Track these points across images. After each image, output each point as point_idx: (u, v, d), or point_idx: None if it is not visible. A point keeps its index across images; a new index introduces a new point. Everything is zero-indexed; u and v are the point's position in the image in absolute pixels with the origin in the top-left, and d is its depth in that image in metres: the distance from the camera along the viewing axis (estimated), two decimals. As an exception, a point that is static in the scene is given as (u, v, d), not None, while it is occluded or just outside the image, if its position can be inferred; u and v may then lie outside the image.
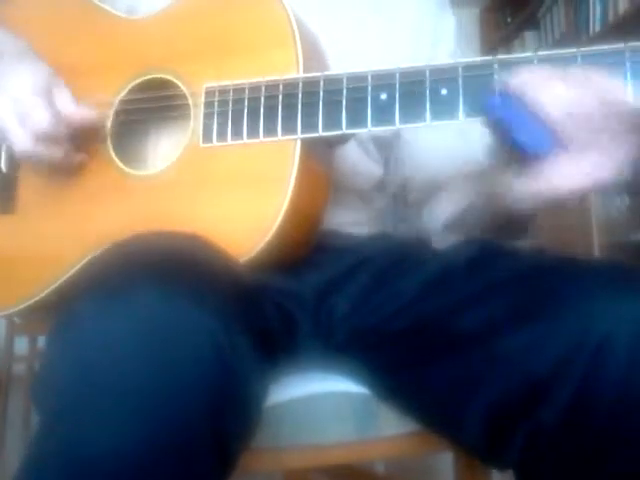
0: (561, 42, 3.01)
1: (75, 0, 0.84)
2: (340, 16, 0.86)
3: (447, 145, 0.83)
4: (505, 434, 0.62)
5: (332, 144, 0.72)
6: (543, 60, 0.62)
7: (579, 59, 0.61)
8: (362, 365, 0.74)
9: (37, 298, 0.75)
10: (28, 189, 0.80)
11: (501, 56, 0.63)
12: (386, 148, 0.90)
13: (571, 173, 0.59)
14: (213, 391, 0.52)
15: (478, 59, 0.64)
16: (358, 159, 0.86)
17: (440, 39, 0.90)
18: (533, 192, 0.61)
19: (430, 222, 0.87)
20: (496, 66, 0.62)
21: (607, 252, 2.57)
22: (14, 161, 0.81)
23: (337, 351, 0.75)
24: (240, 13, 0.74)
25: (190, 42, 0.75)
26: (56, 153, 0.73)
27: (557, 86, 0.59)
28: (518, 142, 0.60)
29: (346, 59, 0.73)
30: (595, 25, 2.74)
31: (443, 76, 0.63)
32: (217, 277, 0.60)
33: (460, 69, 0.63)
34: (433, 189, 0.86)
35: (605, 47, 0.61)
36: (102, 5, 0.83)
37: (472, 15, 3.73)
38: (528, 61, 0.62)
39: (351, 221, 0.86)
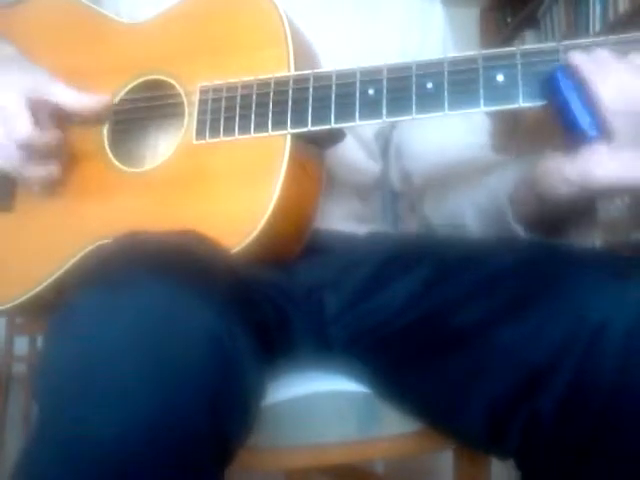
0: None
1: (75, 5, 0.85)
2: (328, 14, 0.87)
3: (447, 133, 0.83)
4: (504, 424, 0.62)
5: (322, 143, 0.73)
6: (527, 54, 0.63)
7: (560, 53, 0.62)
8: (360, 364, 0.74)
9: (33, 292, 0.76)
10: (27, 188, 0.80)
11: (485, 51, 0.65)
12: (385, 142, 0.91)
13: (609, 164, 0.59)
14: (212, 385, 0.52)
15: (462, 54, 0.65)
16: (358, 157, 0.87)
17: (428, 33, 0.91)
18: (568, 175, 0.61)
19: (436, 216, 0.87)
20: (480, 61, 0.64)
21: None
22: None
23: (333, 350, 0.75)
24: (234, 14, 0.75)
25: (185, 44, 0.77)
26: (29, 167, 0.74)
27: (616, 72, 0.59)
28: (567, 121, 0.61)
29: (335, 57, 0.74)
30: (595, 25, 2.73)
31: (429, 71, 0.65)
32: (216, 272, 0.60)
33: (445, 64, 0.65)
34: (435, 181, 0.87)
35: (588, 40, 0.62)
36: (102, 10, 0.84)
37: (472, 15, 3.72)
38: (511, 55, 0.63)
39: (348, 215, 0.86)
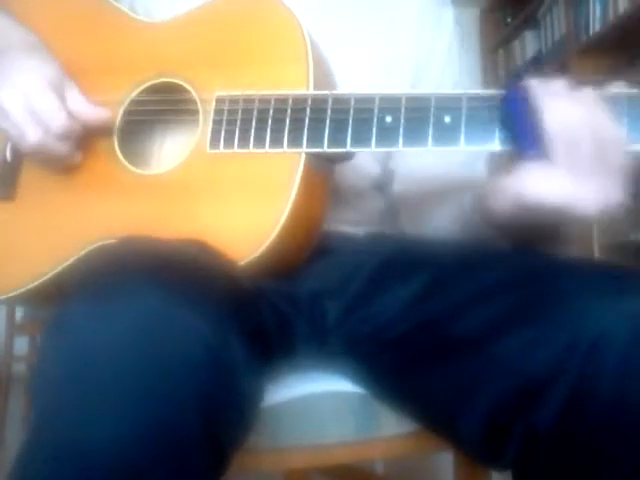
0: (561, 42, 3.01)
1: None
2: (342, 17, 0.86)
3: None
4: (502, 435, 0.62)
5: (334, 160, 0.73)
6: None
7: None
8: (359, 369, 0.74)
9: (34, 285, 0.75)
10: (31, 178, 0.80)
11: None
12: None
13: (542, 184, 0.62)
14: (205, 390, 0.52)
15: (482, 91, 0.66)
16: (361, 160, 0.86)
17: (438, 38, 0.91)
18: (505, 189, 0.65)
19: (413, 232, 0.88)
20: (500, 100, 0.65)
21: (607, 252, 2.57)
22: (18, 151, 0.81)
23: (333, 355, 0.75)
24: (256, 26, 0.75)
25: (204, 50, 0.76)
26: (63, 149, 0.74)
27: (563, 101, 0.62)
28: (512, 135, 0.64)
29: (348, 64, 0.73)
30: (595, 25, 2.73)
31: (447, 105, 0.65)
32: (212, 279, 0.60)
33: (464, 100, 0.65)
34: (413, 193, 0.87)
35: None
36: (119, 5, 0.84)
37: (472, 15, 3.72)
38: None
39: (348, 219, 0.86)
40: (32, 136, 0.72)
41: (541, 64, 3.21)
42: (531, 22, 3.32)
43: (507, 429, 0.61)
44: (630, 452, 0.56)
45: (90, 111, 0.75)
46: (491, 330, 0.63)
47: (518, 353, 0.60)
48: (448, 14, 0.94)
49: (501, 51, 3.68)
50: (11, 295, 0.77)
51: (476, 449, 0.67)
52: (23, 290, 0.76)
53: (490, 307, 0.64)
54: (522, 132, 0.63)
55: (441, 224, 0.83)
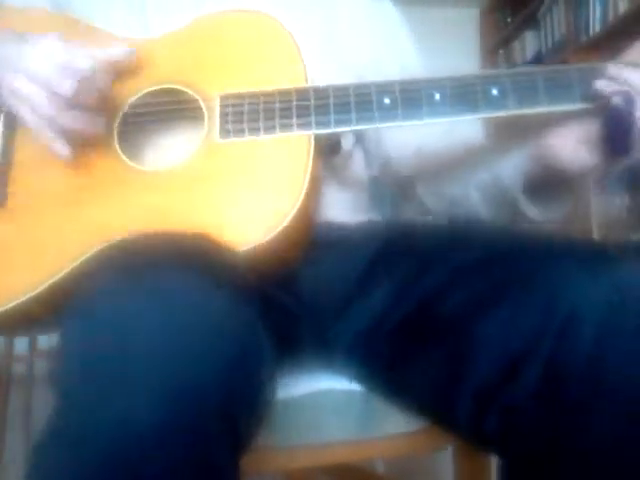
0: (561, 42, 3.01)
1: (60, 16, 0.86)
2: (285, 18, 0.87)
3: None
4: (486, 412, 0.63)
5: (324, 156, 0.77)
6: (511, 74, 0.73)
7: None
8: (358, 365, 0.75)
9: (32, 294, 0.71)
10: (21, 183, 0.78)
11: (483, 70, 0.76)
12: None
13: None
14: (230, 372, 0.53)
15: (463, 75, 0.74)
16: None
17: (380, 34, 0.93)
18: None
19: (433, 201, 0.89)
20: (478, 81, 0.73)
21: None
22: (7, 153, 0.79)
23: (334, 351, 0.76)
24: (247, 36, 0.79)
25: (200, 60, 0.79)
26: (75, 117, 0.73)
27: None
28: (611, 141, 0.68)
29: None
30: (595, 25, 2.73)
31: (436, 84, 0.73)
32: (229, 269, 0.61)
33: (449, 81, 0.73)
34: (424, 166, 0.89)
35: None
36: (92, 23, 0.84)
37: (472, 15, 3.72)
38: (500, 75, 0.73)
39: (345, 204, 0.86)
40: (44, 105, 0.71)
41: (541, 64, 3.21)
42: (531, 22, 3.32)
43: (490, 406, 0.62)
44: (607, 423, 0.57)
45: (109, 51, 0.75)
46: (472, 309, 0.65)
47: (498, 330, 0.62)
48: (387, 9, 0.96)
49: (501, 51, 3.68)
50: (11, 306, 0.72)
51: (473, 433, 0.68)
52: (21, 300, 0.71)
53: (470, 286, 0.66)
54: (618, 141, 0.68)
55: (464, 195, 0.85)
